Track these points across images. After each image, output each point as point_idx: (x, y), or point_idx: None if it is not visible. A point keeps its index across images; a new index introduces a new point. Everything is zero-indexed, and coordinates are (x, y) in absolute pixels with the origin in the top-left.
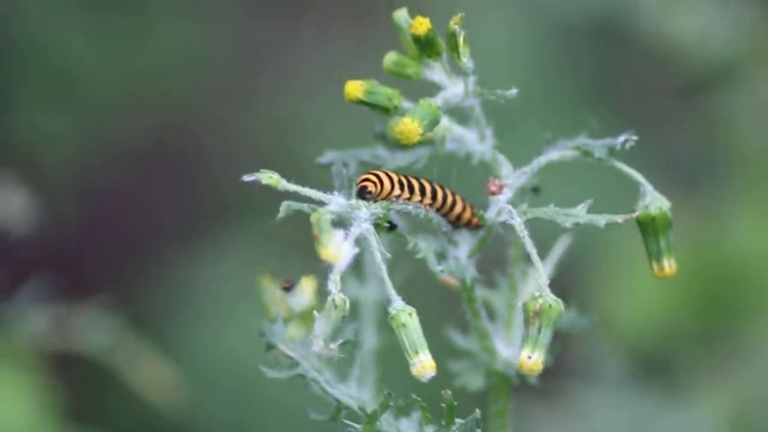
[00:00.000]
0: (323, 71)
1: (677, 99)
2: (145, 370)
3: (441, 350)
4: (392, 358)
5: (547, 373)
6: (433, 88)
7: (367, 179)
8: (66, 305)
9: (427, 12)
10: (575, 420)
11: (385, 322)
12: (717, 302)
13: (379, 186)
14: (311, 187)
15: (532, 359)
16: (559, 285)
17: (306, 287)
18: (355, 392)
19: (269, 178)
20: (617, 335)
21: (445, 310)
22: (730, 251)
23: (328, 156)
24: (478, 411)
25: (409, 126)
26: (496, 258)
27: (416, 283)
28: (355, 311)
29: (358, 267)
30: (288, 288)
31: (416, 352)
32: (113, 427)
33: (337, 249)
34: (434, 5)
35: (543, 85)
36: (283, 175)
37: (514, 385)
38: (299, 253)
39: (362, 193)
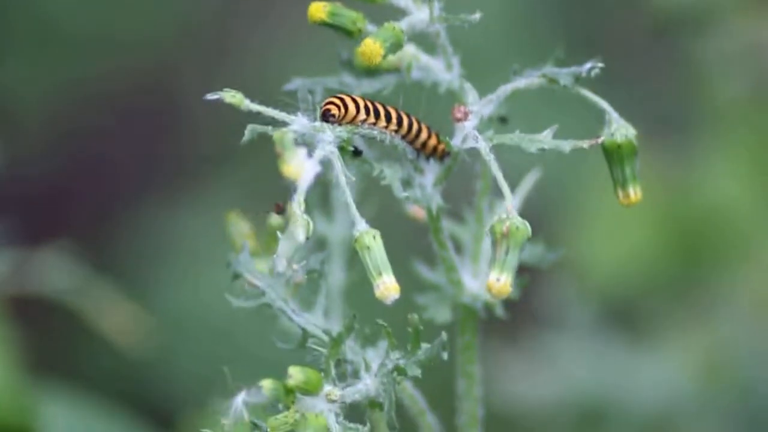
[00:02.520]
0: (300, 20)
1: (652, 45)
2: (112, 315)
3: (408, 286)
4: (360, 296)
5: (516, 316)
6: (399, 14)
7: (331, 102)
8: (30, 249)
9: None
10: (543, 365)
11: (354, 260)
12: (689, 250)
13: (342, 109)
14: (281, 108)
15: (501, 281)
16: (529, 221)
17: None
18: (321, 322)
19: (232, 96)
20: (587, 282)
21: (412, 246)
22: (704, 199)
23: (294, 83)
24: (444, 334)
25: (370, 47)
26: (464, 192)
27: (384, 218)
28: (323, 247)
29: (326, 205)
30: (280, 211)
31: (380, 274)
32: (80, 374)
33: (300, 166)
34: None
35: (514, 31)
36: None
37: (482, 320)
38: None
39: (325, 116)
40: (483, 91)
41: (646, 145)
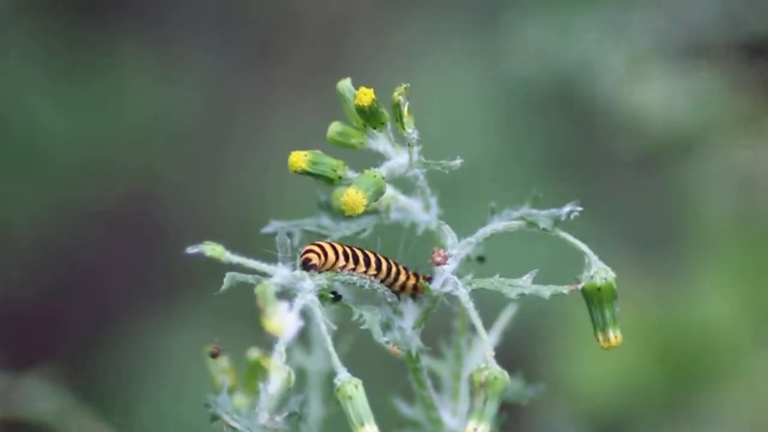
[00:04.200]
0: (290, 136)
1: (640, 168)
2: None
3: (388, 420)
4: (339, 427)
5: None
6: (378, 158)
7: (310, 251)
8: (13, 374)
9: (386, 75)
10: None
11: (332, 391)
12: (678, 371)
13: (323, 257)
14: (261, 256)
15: (479, 431)
16: (509, 353)
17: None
18: None
19: (212, 249)
20: (576, 402)
21: (391, 378)
22: (692, 319)
23: (272, 226)
24: None
25: (353, 197)
26: (442, 327)
27: (362, 351)
28: (301, 380)
29: (304, 336)
30: (215, 354)
31: (362, 424)
32: None
33: (282, 321)
34: (394, 67)
35: (501, 153)
36: (244, 243)
37: None
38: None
39: (306, 265)
40: (464, 222)
41: (634, 263)
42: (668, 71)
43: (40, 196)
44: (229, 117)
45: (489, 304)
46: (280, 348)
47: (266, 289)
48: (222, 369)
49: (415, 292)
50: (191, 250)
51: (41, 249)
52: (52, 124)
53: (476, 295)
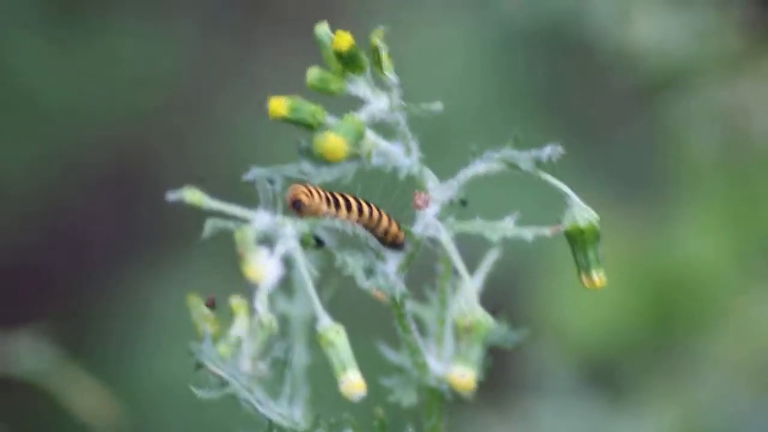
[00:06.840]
0: (278, 85)
1: (629, 106)
2: (83, 395)
3: (373, 366)
4: (325, 372)
5: (489, 384)
6: (359, 104)
7: (299, 190)
8: (4, 328)
9: (371, 18)
10: (524, 429)
11: (316, 337)
12: (665, 311)
13: (310, 197)
14: (245, 203)
15: (465, 377)
16: (495, 297)
17: (238, 309)
18: (287, 410)
19: (192, 195)
20: (565, 345)
21: (376, 324)
22: (678, 260)
23: (253, 172)
24: (410, 429)
25: (334, 142)
26: (426, 271)
27: (346, 297)
28: (284, 327)
29: (287, 282)
30: (210, 305)
31: (344, 370)
32: None
33: (262, 267)
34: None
35: (486, 96)
36: (236, 193)
37: (449, 401)
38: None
39: (295, 204)
40: (447, 165)
41: (621, 202)
42: (662, 5)
43: (32, 147)
44: (220, 72)
45: (473, 250)
46: (261, 295)
47: (246, 234)
48: (204, 317)
49: (397, 240)
50: (171, 196)
51: (32, 200)
52: (45, 75)
53: (460, 239)
